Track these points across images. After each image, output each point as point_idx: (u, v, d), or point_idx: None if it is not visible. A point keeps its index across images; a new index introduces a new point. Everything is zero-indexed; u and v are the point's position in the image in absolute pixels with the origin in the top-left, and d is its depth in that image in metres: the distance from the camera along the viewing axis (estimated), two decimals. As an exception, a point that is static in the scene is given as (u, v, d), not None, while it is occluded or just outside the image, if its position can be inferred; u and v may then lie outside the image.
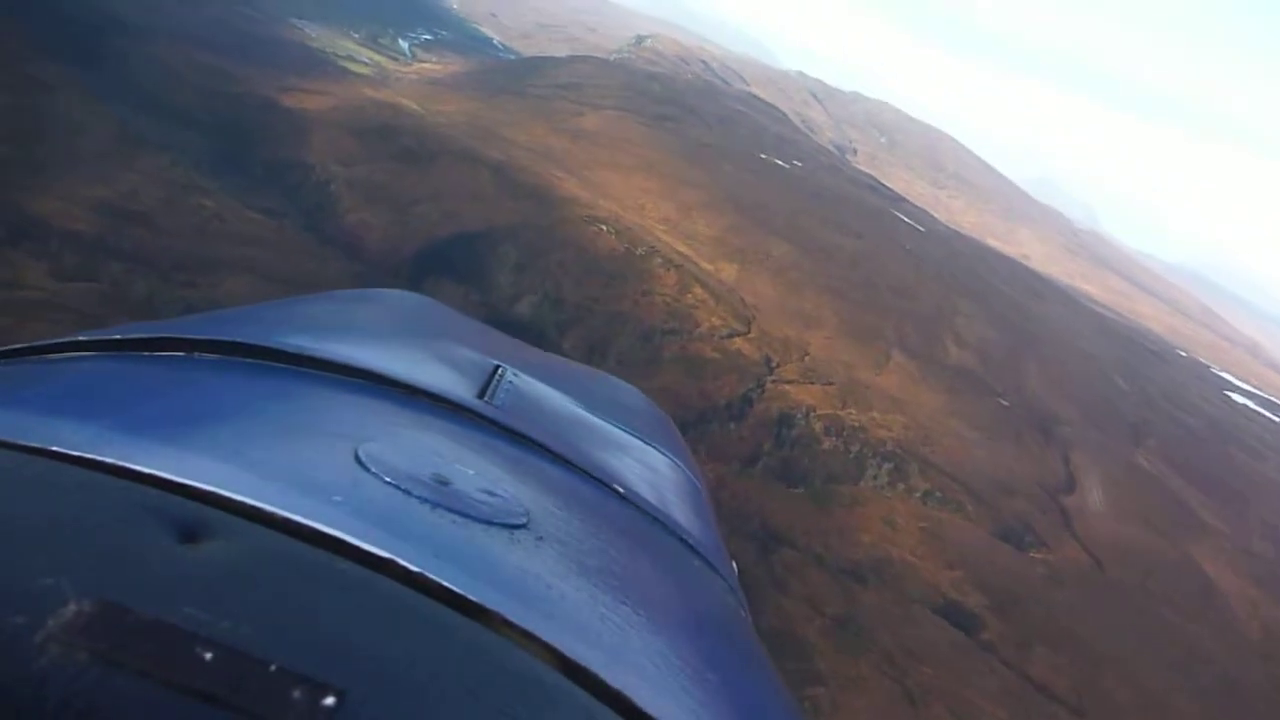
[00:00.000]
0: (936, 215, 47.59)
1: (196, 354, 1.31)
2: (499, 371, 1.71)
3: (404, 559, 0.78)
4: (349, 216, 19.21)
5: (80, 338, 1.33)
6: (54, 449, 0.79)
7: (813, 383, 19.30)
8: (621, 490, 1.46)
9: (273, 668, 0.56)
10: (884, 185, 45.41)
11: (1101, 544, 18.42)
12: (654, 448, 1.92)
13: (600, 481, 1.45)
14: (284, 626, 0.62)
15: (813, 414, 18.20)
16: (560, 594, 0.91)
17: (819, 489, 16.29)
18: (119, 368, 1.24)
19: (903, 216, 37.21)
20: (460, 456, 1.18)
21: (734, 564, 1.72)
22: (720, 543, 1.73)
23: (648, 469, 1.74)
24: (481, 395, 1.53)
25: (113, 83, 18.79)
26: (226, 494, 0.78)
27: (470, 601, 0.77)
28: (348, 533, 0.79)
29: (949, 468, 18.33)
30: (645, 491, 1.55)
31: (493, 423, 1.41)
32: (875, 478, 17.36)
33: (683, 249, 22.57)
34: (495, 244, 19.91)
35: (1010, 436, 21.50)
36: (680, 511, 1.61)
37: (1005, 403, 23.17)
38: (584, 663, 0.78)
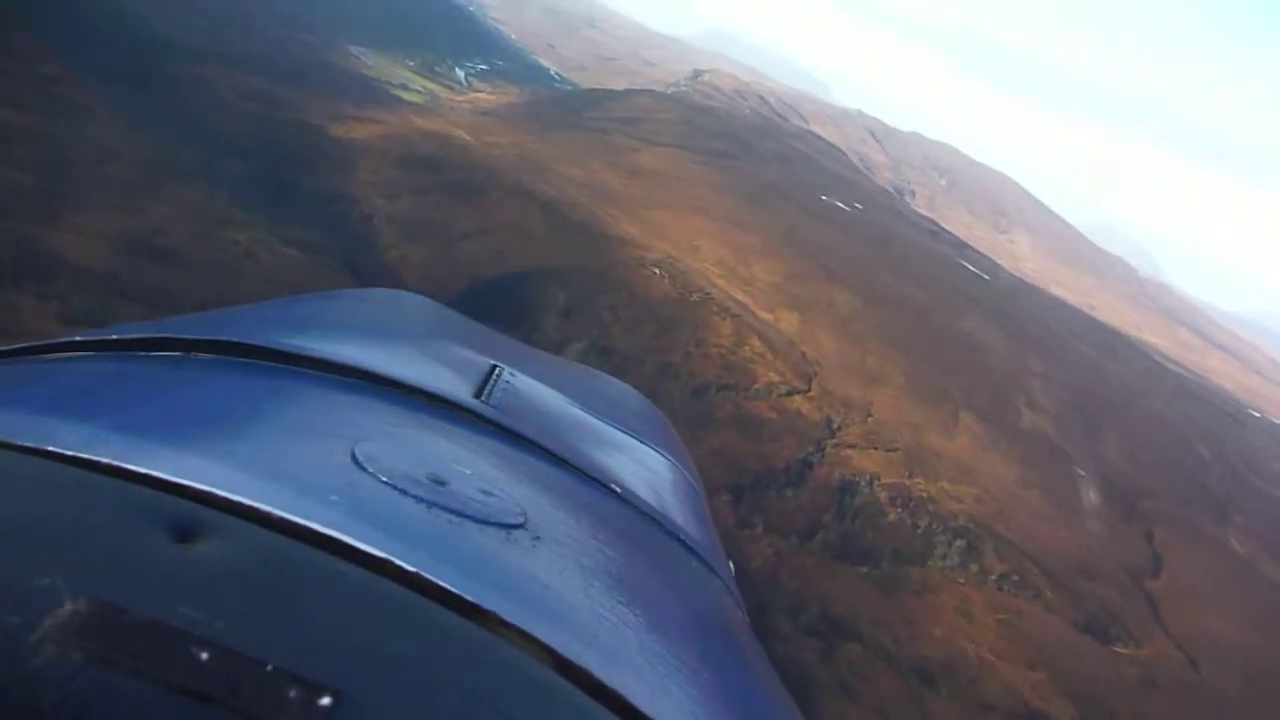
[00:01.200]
0: (999, 261, 45.96)
1: (193, 354, 1.31)
2: (496, 371, 1.68)
3: (400, 559, 0.77)
4: (390, 253, 18.25)
5: (77, 338, 1.33)
6: (50, 449, 0.79)
7: (876, 447, 17.89)
8: (618, 490, 1.45)
9: (269, 668, 0.56)
10: (946, 230, 43.92)
11: (1194, 640, 16.72)
12: (651, 448, 1.90)
13: (597, 481, 1.43)
14: (280, 626, 0.62)
15: (877, 482, 16.78)
16: (557, 594, 0.91)
17: (885, 572, 14.85)
18: (116, 368, 1.24)
19: (968, 265, 35.70)
20: (457, 456, 1.17)
21: (730, 564, 1.72)
22: (717, 542, 1.73)
23: (645, 469, 1.74)
24: (478, 395, 1.52)
25: (156, 107, 18.09)
26: (223, 494, 0.78)
27: (467, 601, 0.77)
28: (344, 533, 0.78)
29: (1026, 546, 16.77)
30: (642, 491, 1.54)
31: (490, 423, 1.40)
32: (945, 557, 15.87)
33: (740, 296, 21.34)
34: (543, 285, 18.82)
35: (1089, 511, 19.87)
36: (677, 512, 1.60)
37: (1082, 473, 21.52)
38: (580, 662, 0.77)
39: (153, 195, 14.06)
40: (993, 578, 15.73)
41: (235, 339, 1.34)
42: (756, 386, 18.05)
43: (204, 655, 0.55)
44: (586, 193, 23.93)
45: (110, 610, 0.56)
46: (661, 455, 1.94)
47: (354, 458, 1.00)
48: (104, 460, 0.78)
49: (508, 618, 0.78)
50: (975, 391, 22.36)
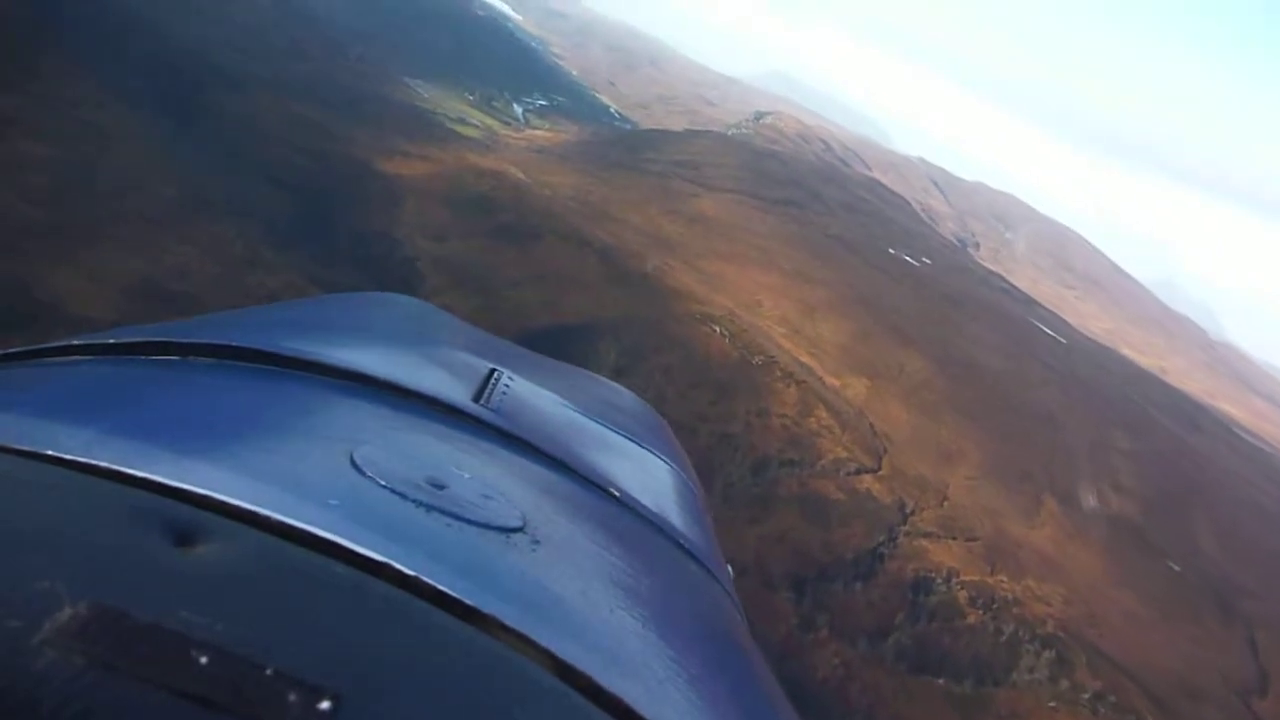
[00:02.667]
0: (1068, 319, 43.83)
1: (191, 358, 1.31)
2: (494, 375, 1.67)
3: (399, 563, 0.77)
4: (432, 300, 16.94)
5: (75, 342, 1.33)
6: (50, 453, 0.79)
7: (954, 537, 16.17)
8: (617, 494, 1.44)
9: (269, 671, 0.56)
10: (1016, 287, 41.99)
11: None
12: (650, 452, 1.90)
13: (596, 485, 1.43)
14: (280, 630, 0.62)
15: (955, 579, 15.05)
16: (556, 598, 0.91)
17: (967, 690, 13.11)
18: (114, 372, 1.24)
19: (1041, 326, 33.78)
20: (456, 460, 1.18)
21: (729, 568, 1.70)
22: (716, 546, 1.71)
23: (644, 473, 1.74)
24: (477, 399, 1.50)
25: (194, 135, 17.12)
26: (222, 498, 0.77)
27: (466, 605, 0.77)
28: (343, 536, 0.78)
29: (1121, 659, 14.91)
30: (642, 495, 1.52)
31: (489, 426, 1.40)
32: (1033, 670, 14.06)
33: (805, 358, 19.79)
34: (595, 339, 17.44)
35: (1186, 613, 17.90)
36: (676, 515, 1.59)
37: (1176, 567, 19.55)
38: (579, 666, 0.77)
39: (177, 232, 12.95)
40: (1086, 696, 13.90)
41: (234, 343, 1.33)
42: (823, 463, 16.46)
43: (204, 659, 0.55)
44: (644, 241, 22.62)
45: (110, 614, 0.56)
46: (660, 459, 1.88)
47: (353, 461, 0.99)
48: (103, 464, 0.78)
49: (507, 622, 0.77)
50: (1057, 471, 20.52)
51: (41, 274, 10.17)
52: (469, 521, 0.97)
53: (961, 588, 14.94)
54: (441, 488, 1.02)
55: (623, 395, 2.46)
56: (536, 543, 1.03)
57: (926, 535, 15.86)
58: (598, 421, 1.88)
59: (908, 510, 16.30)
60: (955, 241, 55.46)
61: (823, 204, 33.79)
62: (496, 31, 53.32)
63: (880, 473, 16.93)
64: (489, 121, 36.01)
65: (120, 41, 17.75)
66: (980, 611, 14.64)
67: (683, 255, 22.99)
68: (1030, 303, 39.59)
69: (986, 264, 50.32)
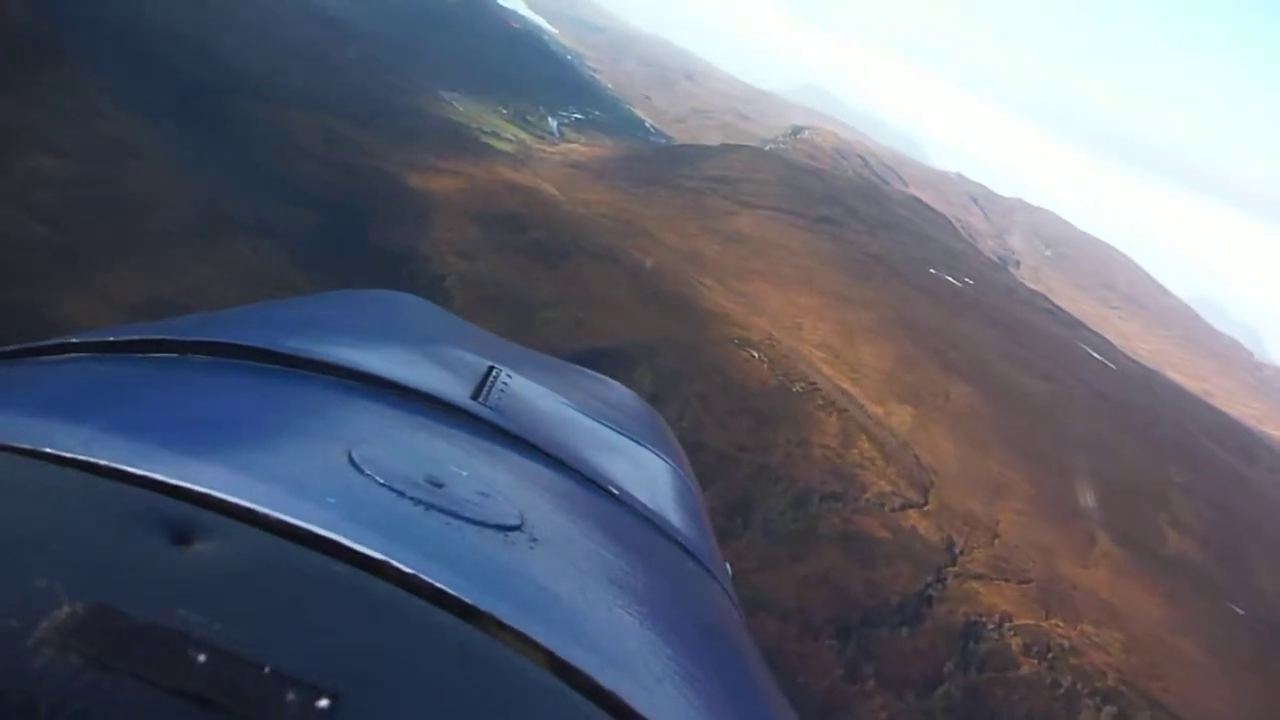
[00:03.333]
0: (1112, 340, 42.60)
1: (190, 356, 1.30)
2: (493, 373, 1.66)
3: (398, 561, 0.77)
4: (461, 321, 16.42)
5: (73, 339, 1.31)
6: (47, 451, 0.79)
7: (1006, 578, 15.29)
8: (616, 492, 1.44)
9: (267, 670, 0.56)
10: (1060, 308, 40.86)
11: None
12: (649, 450, 1.89)
13: (594, 484, 1.43)
14: (278, 629, 0.62)
15: (1008, 624, 14.19)
16: (554, 596, 0.91)
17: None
18: (113, 370, 1.24)
19: (1089, 349, 32.71)
20: (454, 458, 1.17)
21: (728, 566, 1.67)
22: (714, 544, 1.70)
23: (642, 471, 1.73)
24: (476, 397, 1.50)
25: (220, 150, 16.67)
26: (220, 496, 0.77)
27: (464, 603, 0.77)
28: (341, 535, 0.78)
29: (1186, 716, 13.97)
30: (640, 494, 1.53)
31: (487, 424, 1.39)
32: (1093, 727, 13.18)
33: (847, 385, 19.00)
34: (629, 364, 16.75)
35: (1251, 662, 16.86)
36: (674, 514, 1.60)
37: (1239, 610, 18.51)
38: (577, 664, 0.77)
39: (197, 252, 12.43)
40: (1151, 758, 12.99)
41: (232, 340, 1.32)
42: (866, 497, 15.66)
43: (202, 658, 0.55)
44: (680, 260, 21.94)
45: (108, 613, 0.56)
46: (659, 457, 1.89)
47: (351, 459, 0.98)
48: (101, 462, 0.78)
49: (505, 620, 0.77)
50: (1111, 507, 19.55)
51: (52, 297, 9.63)
52: (467, 520, 0.96)
53: (1015, 634, 14.08)
54: (440, 486, 1.01)
55: (621, 393, 2.46)
56: (535, 541, 1.01)
57: (977, 576, 15.01)
58: (596, 420, 1.87)
59: (956, 549, 15.45)
60: (995, 260, 54.35)
61: (862, 222, 32.97)
62: (532, 45, 52.97)
63: (926, 508, 16.09)
64: (523, 135, 35.53)
65: (146, 52, 17.37)
66: (1035, 661, 13.76)
67: (719, 275, 22.29)
68: (1075, 324, 38.49)
69: (1027, 283, 49.19)
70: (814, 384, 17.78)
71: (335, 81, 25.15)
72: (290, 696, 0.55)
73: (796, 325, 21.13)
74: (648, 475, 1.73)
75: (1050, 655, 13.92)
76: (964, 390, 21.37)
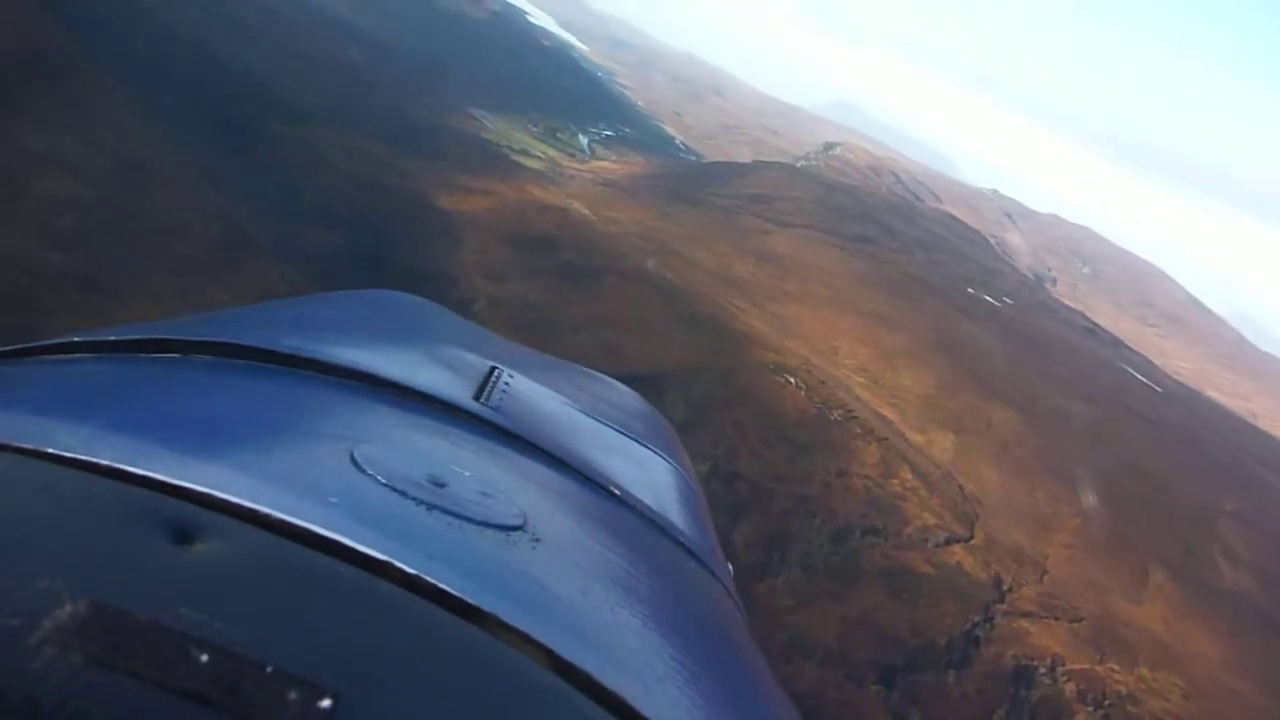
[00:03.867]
0: (1152, 359, 41.56)
1: (192, 355, 1.29)
2: (495, 373, 1.65)
3: (400, 561, 0.77)
4: (490, 346, 16.00)
5: (75, 339, 1.31)
6: (49, 450, 0.78)
7: (1057, 616, 14.59)
8: (618, 492, 1.43)
9: (268, 670, 0.56)
10: (1100, 327, 39.92)
11: None
12: (651, 450, 1.88)
13: (596, 484, 1.42)
14: (279, 628, 0.62)
15: (1060, 668, 13.49)
16: (556, 596, 0.91)
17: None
18: (115, 369, 1.23)
19: (1131, 370, 31.82)
20: (456, 458, 1.16)
21: (729, 566, 1.66)
22: (716, 544, 1.69)
23: (644, 471, 1.73)
24: (478, 397, 1.50)
25: (247, 171, 16.38)
26: (222, 495, 0.77)
27: (466, 603, 0.76)
28: (343, 534, 0.77)
29: (1252, 768, 13.21)
30: (642, 494, 1.52)
31: (489, 424, 1.38)
32: (1153, 780, 12.46)
33: (886, 411, 18.38)
34: (661, 391, 16.21)
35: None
36: (677, 514, 1.59)
37: (1300, 650, 17.64)
38: (579, 664, 0.77)
39: (219, 277, 12.08)
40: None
41: (234, 340, 1.31)
42: (909, 531, 15.03)
43: (203, 657, 0.55)
44: (713, 281, 21.43)
45: (109, 612, 0.56)
46: (661, 458, 1.89)
47: (353, 459, 0.98)
48: (103, 462, 0.78)
49: (507, 620, 0.77)
50: (1164, 539, 18.77)
51: (65, 330, 9.31)
52: (469, 520, 0.95)
53: (1068, 678, 13.39)
54: (442, 486, 1.01)
55: (624, 394, 2.43)
56: (537, 541, 1.00)
57: (1026, 615, 14.33)
58: (598, 420, 1.85)
59: (1004, 586, 14.78)
60: (1031, 277, 53.41)
61: (898, 240, 32.32)
62: (562, 62, 52.82)
63: (972, 542, 15.44)
64: (553, 153, 35.22)
65: (172, 70, 17.14)
66: (1090, 709, 13.07)
67: (753, 296, 21.75)
68: (1117, 344, 37.57)
69: (1065, 300, 48.26)
70: (852, 411, 17.18)
71: (366, 99, 24.92)
72: (292, 696, 0.54)
73: (833, 348, 20.54)
74: (650, 475, 1.72)
75: (1106, 703, 13.22)
76: (1006, 415, 20.68)
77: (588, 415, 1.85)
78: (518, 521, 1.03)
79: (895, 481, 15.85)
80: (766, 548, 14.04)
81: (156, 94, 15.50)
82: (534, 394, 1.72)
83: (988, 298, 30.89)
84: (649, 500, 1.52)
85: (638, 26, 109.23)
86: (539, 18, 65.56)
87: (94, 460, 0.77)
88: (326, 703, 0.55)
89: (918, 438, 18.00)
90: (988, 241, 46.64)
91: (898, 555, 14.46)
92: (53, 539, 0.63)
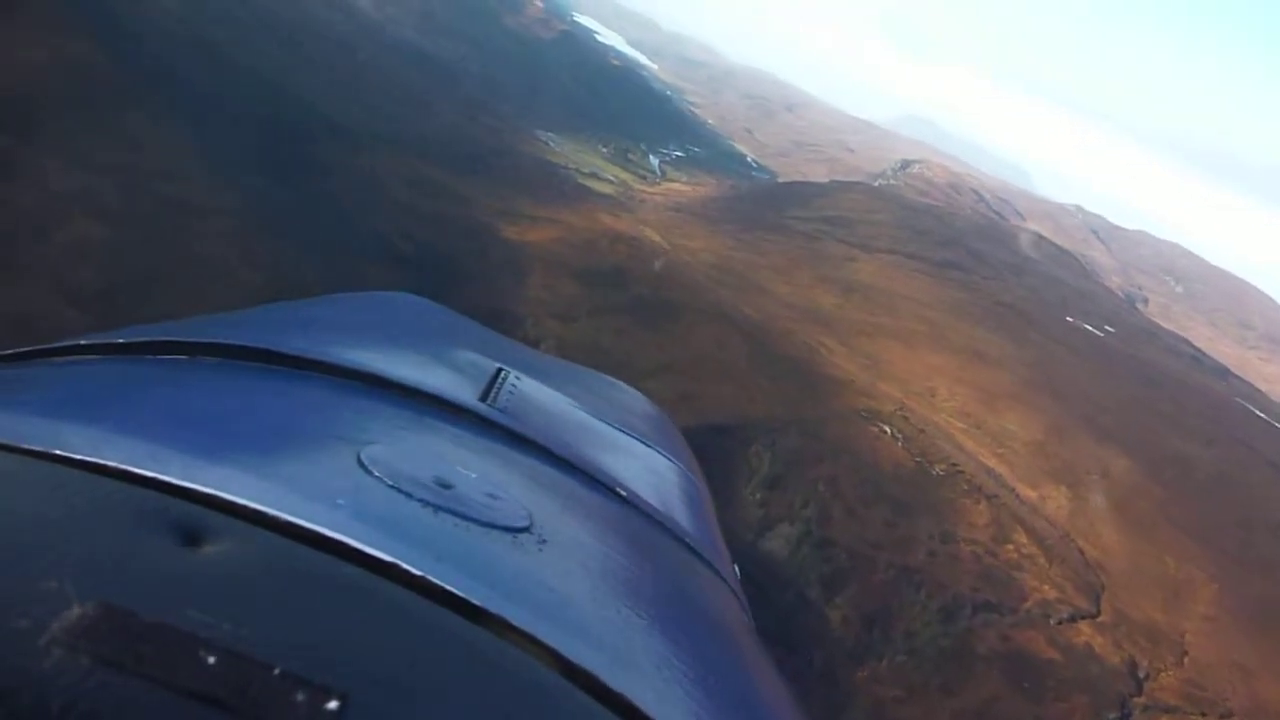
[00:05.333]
0: (1260, 388, 38.77)
1: (199, 357, 1.29)
2: (501, 374, 1.64)
3: (406, 562, 0.77)
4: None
5: (83, 341, 1.31)
6: (57, 452, 0.78)
7: (1203, 711, 12.73)
8: (624, 494, 1.42)
9: (276, 671, 0.56)
10: (1203, 353, 37.34)
11: None
12: (657, 451, 1.86)
13: (603, 485, 1.41)
14: (287, 630, 0.62)
15: (1214, 776, 11.67)
16: (562, 598, 0.90)
17: None
18: (121, 371, 1.22)
19: (1246, 403, 29.39)
20: (463, 459, 1.15)
21: (735, 567, 1.62)
22: (722, 546, 1.67)
23: (650, 472, 1.71)
24: (484, 398, 1.49)
25: (298, 205, 15.36)
26: (229, 497, 0.77)
27: (473, 605, 0.77)
28: (350, 536, 0.78)
29: None
30: (648, 495, 1.50)
31: (495, 426, 1.37)
32: None
33: (993, 463, 16.64)
34: (744, 443, 14.76)
35: None
36: (683, 515, 1.58)
37: None
38: (586, 666, 0.77)
39: (263, 329, 11.01)
40: None
41: (241, 342, 1.30)
42: (1027, 606, 13.31)
43: (211, 658, 0.55)
44: (796, 316, 19.90)
45: (118, 613, 0.56)
46: (667, 459, 1.86)
47: (360, 461, 0.97)
48: (111, 464, 0.78)
49: (514, 621, 0.77)
50: (1310, 607, 16.66)
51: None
52: (476, 521, 0.95)
53: (1224, 791, 11.55)
54: (448, 487, 1.00)
55: (631, 395, 2.44)
56: (543, 542, 0.99)
57: (1169, 710, 12.50)
58: (605, 421, 1.84)
59: (1140, 672, 12.97)
60: (1121, 295, 50.69)
61: (988, 265, 30.39)
62: (632, 81, 51.71)
63: (1100, 619, 13.65)
64: (623, 175, 34.02)
65: (226, 95, 16.26)
66: (1252, 826, 11.21)
67: (840, 332, 20.16)
68: (1224, 373, 35.01)
69: (1157, 318, 45.59)
70: (956, 465, 15.50)
71: (427, 123, 23.95)
72: (299, 697, 0.54)
73: (929, 390, 18.84)
74: (656, 477, 1.69)
75: (1270, 818, 11.34)
76: (1123, 464, 18.74)
77: (594, 416, 1.80)
78: (524, 523, 1.00)
79: (1009, 547, 14.14)
80: (867, 626, 12.46)
81: (206, 123, 14.57)
82: (540, 395, 1.68)
83: (1088, 326, 28.79)
84: (655, 502, 1.47)
85: (708, 44, 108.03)
86: (608, 36, 64.72)
87: (102, 462, 0.76)
88: (334, 704, 0.54)
89: (1029, 493, 16.22)
90: (1079, 262, 44.23)
91: (1016, 636, 12.74)
92: (61, 540, 0.62)
